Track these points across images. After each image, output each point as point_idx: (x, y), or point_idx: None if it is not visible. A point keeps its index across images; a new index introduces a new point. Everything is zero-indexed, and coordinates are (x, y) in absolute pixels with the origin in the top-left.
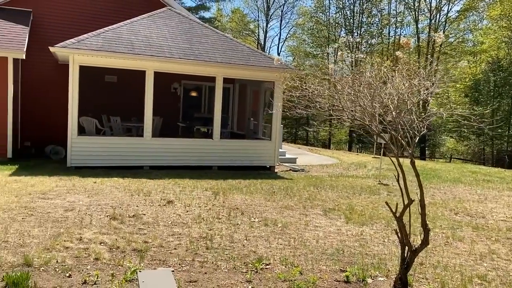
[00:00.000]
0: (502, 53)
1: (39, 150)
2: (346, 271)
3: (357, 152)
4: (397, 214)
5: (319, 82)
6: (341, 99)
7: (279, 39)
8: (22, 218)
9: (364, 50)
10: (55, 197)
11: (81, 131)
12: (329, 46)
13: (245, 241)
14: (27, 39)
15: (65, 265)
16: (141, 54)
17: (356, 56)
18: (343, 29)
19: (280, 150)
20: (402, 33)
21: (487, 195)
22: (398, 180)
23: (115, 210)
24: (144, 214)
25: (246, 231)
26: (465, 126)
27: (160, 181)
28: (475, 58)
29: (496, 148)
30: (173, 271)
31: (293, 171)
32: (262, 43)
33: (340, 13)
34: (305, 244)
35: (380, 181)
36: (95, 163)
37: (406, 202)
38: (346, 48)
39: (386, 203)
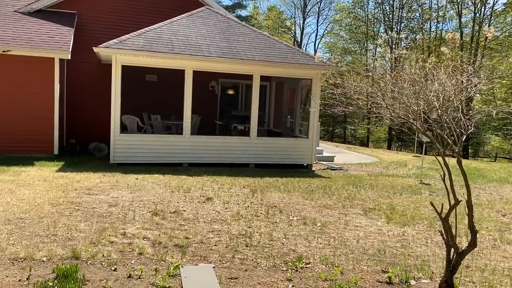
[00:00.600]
0: None
1: (83, 147)
2: (388, 272)
3: (396, 150)
4: (443, 215)
5: (361, 79)
6: (384, 97)
7: (316, 36)
8: (70, 213)
9: (405, 46)
10: (99, 192)
11: (124, 129)
12: (368, 42)
13: (284, 239)
14: (72, 40)
15: (110, 259)
16: (180, 53)
17: (399, 52)
18: (382, 25)
19: (317, 148)
20: (444, 28)
21: None
22: (444, 180)
23: (157, 206)
24: (185, 211)
25: (285, 229)
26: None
27: (199, 178)
28: None
29: None
30: (214, 267)
31: (330, 169)
32: (299, 40)
33: (379, 8)
34: (346, 243)
35: (421, 180)
36: (136, 160)
37: (452, 202)
38: (386, 45)
39: (431, 203)
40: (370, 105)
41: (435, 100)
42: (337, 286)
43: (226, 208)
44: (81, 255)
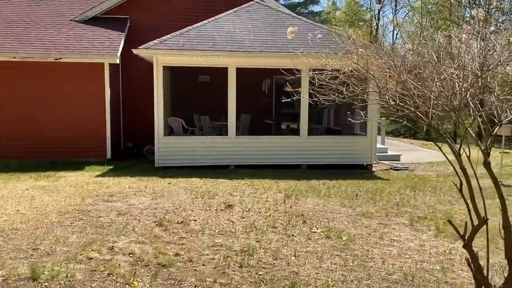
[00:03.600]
0: None
1: (140, 151)
2: None
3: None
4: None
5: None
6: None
7: (394, 26)
8: (70, 223)
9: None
10: (119, 199)
11: (172, 131)
12: (450, 29)
13: (292, 257)
14: (121, 44)
15: (72, 281)
16: (221, 50)
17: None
18: (468, 9)
19: (381, 146)
20: None
21: None
22: (460, 189)
23: (167, 215)
24: (195, 220)
25: (300, 244)
26: None
27: (237, 181)
28: None
29: None
30: None
31: (393, 169)
32: (374, 32)
33: None
34: (366, 265)
35: (501, 181)
36: (181, 162)
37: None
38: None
39: (449, 221)
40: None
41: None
42: None
43: (243, 218)
44: (41, 276)
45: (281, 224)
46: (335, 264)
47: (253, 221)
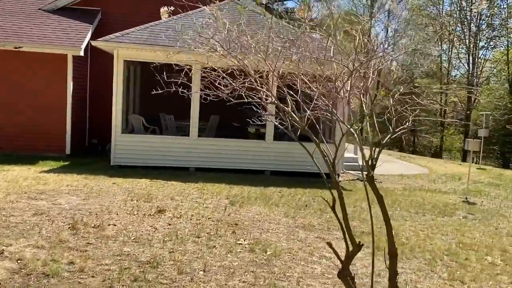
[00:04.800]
0: None
1: (105, 148)
2: None
3: (473, 162)
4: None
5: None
6: None
7: (386, 36)
8: None
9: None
10: (47, 198)
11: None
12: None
13: (200, 272)
14: (88, 36)
15: None
16: (184, 47)
17: None
18: (459, 24)
19: (353, 156)
20: None
21: None
22: (333, 207)
23: (86, 218)
24: (114, 225)
25: (216, 257)
26: None
27: (189, 185)
28: None
29: None
30: None
31: (360, 180)
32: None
33: (455, 5)
34: (277, 285)
35: (467, 198)
36: (139, 162)
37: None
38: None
39: (329, 243)
40: None
41: None
42: None
43: (169, 225)
44: None
45: (207, 233)
46: (244, 282)
47: (178, 229)
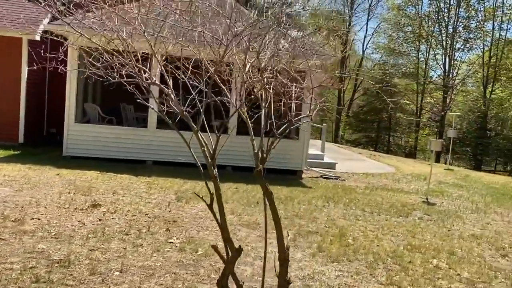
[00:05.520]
0: None
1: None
2: None
3: (445, 163)
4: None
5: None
6: None
7: (365, 35)
8: None
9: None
10: None
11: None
12: (420, 42)
13: (116, 273)
14: (47, 20)
15: None
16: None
17: None
18: (436, 25)
19: (318, 153)
20: (509, 29)
21: None
22: (209, 205)
23: (9, 211)
24: (38, 219)
25: (140, 257)
26: None
27: (138, 178)
28: None
29: None
30: None
31: (324, 178)
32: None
33: (433, 6)
34: (196, 287)
35: (427, 198)
36: (94, 153)
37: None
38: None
39: (214, 246)
40: None
41: None
42: None
43: (99, 220)
44: None
45: (138, 230)
46: (160, 285)
47: (108, 225)
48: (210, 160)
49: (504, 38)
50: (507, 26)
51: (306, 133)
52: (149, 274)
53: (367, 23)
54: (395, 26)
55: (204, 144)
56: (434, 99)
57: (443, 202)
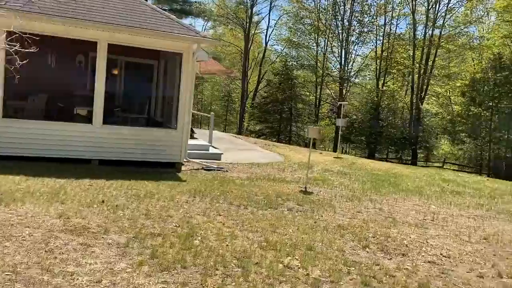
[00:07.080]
0: (507, 50)
1: None
2: None
3: (343, 152)
4: None
5: None
6: None
7: (268, 27)
8: None
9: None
10: None
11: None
12: (318, 35)
13: None
14: None
15: None
16: (91, 20)
17: None
18: (334, 19)
19: (203, 143)
20: (398, 24)
21: (440, 214)
22: None
23: None
24: None
25: None
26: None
27: None
28: (477, 55)
29: (494, 154)
30: None
31: (205, 169)
32: (246, 31)
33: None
34: None
35: (306, 187)
36: (30, 153)
37: None
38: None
39: None
40: None
41: None
42: None
43: None
44: None
45: None
46: None
47: None
48: None
49: (394, 33)
50: (397, 22)
51: (186, 121)
52: None
53: (269, 14)
54: (294, 18)
55: None
56: (333, 91)
57: (321, 191)
